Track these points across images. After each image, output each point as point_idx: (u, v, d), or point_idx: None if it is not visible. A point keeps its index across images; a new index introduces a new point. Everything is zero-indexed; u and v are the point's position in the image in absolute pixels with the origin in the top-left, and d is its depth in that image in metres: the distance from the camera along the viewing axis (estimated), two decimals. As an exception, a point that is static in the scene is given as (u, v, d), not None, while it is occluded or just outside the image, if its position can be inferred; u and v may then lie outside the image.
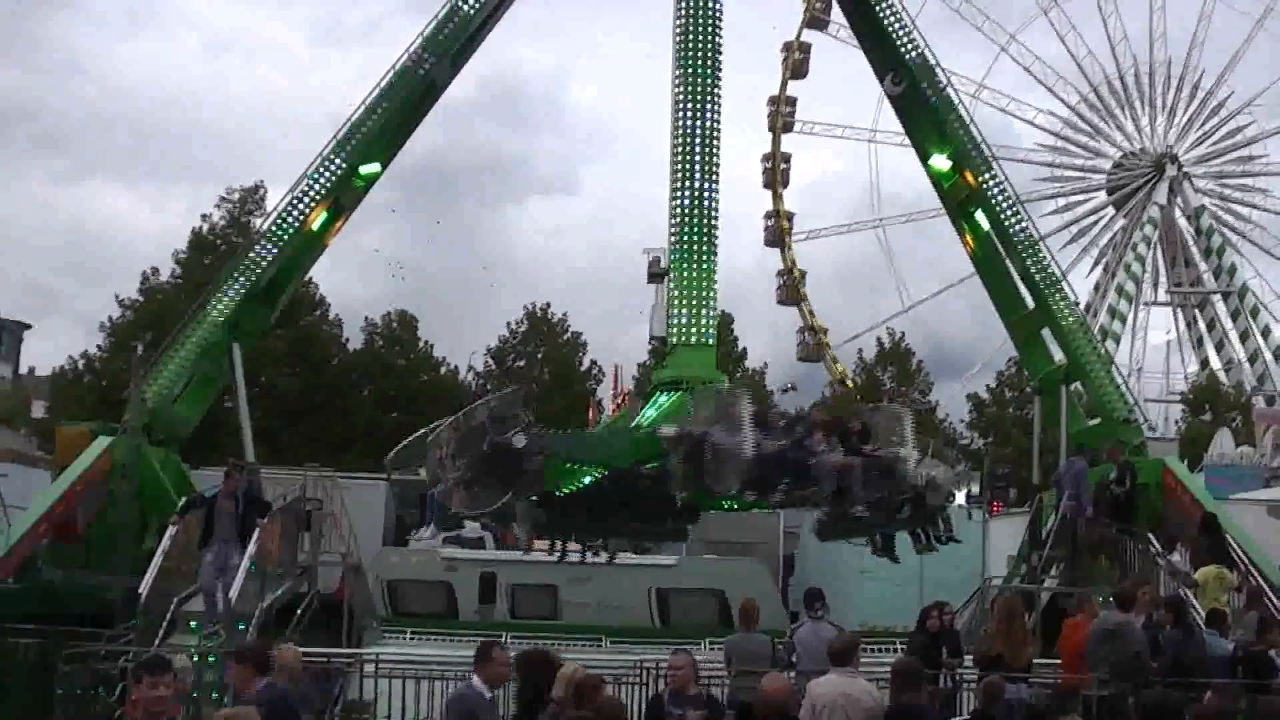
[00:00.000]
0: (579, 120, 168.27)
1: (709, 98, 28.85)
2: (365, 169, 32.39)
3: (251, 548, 21.87)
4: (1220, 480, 40.37)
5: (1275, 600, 22.92)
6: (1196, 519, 25.45)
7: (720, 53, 29.26)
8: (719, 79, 29.11)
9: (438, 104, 34.21)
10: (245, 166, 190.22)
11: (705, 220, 28.36)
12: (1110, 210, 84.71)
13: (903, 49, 33.38)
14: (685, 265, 28.61)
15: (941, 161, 33.82)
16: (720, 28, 29.30)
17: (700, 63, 28.92)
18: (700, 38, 29.00)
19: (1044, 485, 31.28)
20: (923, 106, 33.84)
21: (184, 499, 23.77)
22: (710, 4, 29.21)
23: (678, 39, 29.17)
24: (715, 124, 28.67)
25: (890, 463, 21.99)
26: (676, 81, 28.94)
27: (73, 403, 54.22)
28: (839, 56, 74.58)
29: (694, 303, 28.38)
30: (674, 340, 28.38)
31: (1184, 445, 47.33)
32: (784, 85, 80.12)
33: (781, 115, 78.94)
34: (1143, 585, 18.90)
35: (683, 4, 29.22)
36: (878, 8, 33.53)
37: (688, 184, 28.33)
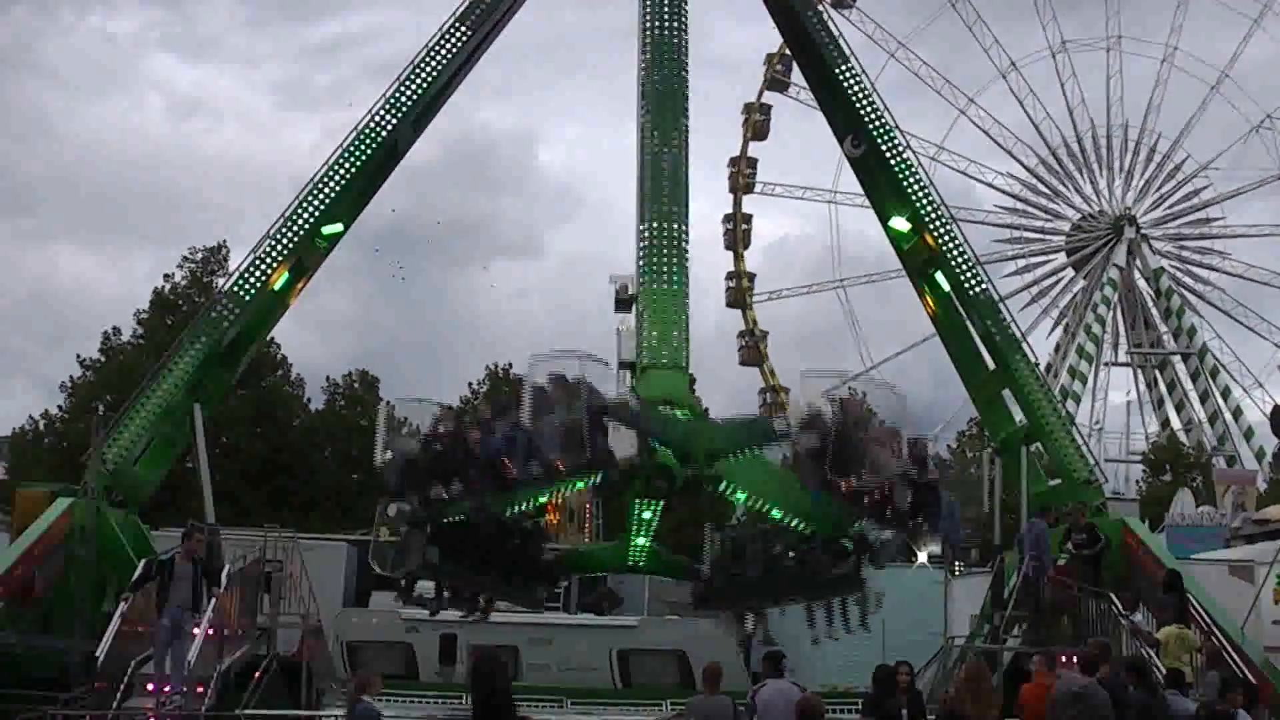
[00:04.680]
0: (545, 183, 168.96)
1: (675, 126, 27.79)
2: (328, 229, 32.39)
3: (209, 614, 21.66)
4: (1182, 540, 40.51)
5: (1237, 660, 23.00)
6: (1159, 578, 25.54)
7: (687, 77, 28.73)
8: (686, 106, 28.30)
9: (405, 166, 34.35)
10: (210, 229, 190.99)
11: (674, 241, 26.60)
12: (1070, 271, 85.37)
13: (862, 111, 33.59)
14: (654, 285, 26.25)
15: (901, 223, 33.97)
16: (687, 54, 28.95)
17: (667, 91, 28.16)
18: (668, 57, 28.49)
19: (1006, 545, 31.30)
20: (882, 168, 34.02)
21: (140, 567, 23.38)
22: (678, 22, 29.09)
23: (642, 66, 28.81)
24: (682, 150, 27.66)
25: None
26: (642, 109, 28.19)
27: (33, 463, 53.84)
28: (799, 118, 75.31)
29: (664, 324, 25.65)
30: (643, 363, 25.27)
31: (1145, 505, 47.52)
32: (745, 147, 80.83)
33: (742, 176, 79.62)
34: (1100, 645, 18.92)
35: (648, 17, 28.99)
36: (837, 71, 33.77)
37: (655, 208, 26.76)
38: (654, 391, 23.80)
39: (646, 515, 21.39)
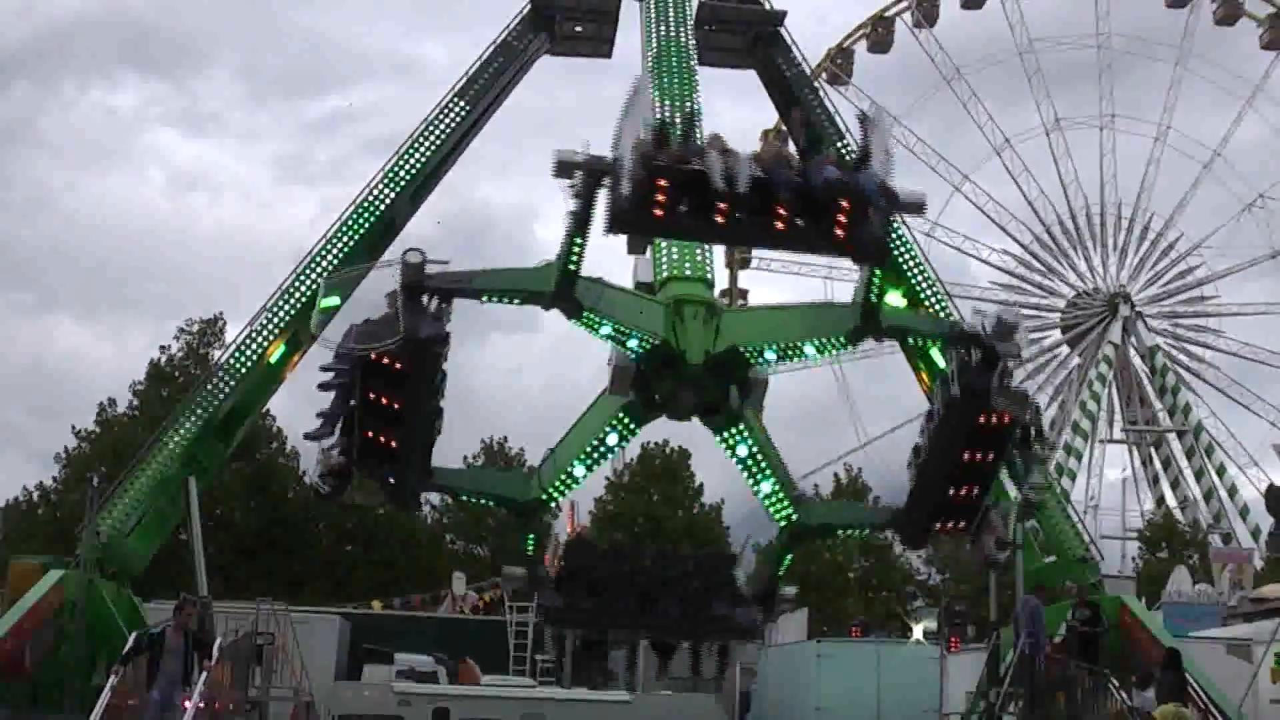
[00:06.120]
0: (542, 258, 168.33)
1: (687, 100, 26.84)
2: (324, 302, 32.43)
3: (200, 687, 21.52)
4: (1179, 618, 40.35)
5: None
6: (1158, 657, 25.44)
7: (697, 79, 28.07)
8: (697, 89, 27.50)
9: (404, 239, 34.49)
10: (208, 302, 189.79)
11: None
12: (1065, 348, 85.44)
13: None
14: None
15: (896, 299, 33.96)
16: (693, 54, 28.58)
17: (677, 77, 27.40)
18: (676, 50, 28.06)
19: (1002, 622, 31.19)
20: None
21: (131, 640, 23.19)
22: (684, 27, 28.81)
23: (650, 64, 28.34)
24: (695, 121, 26.66)
25: None
26: (652, 96, 27.13)
27: (26, 535, 53.65)
28: (796, 195, 75.43)
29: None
30: (663, 276, 20.92)
31: (1141, 583, 47.38)
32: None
33: (739, 251, 79.59)
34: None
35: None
36: (833, 147, 33.98)
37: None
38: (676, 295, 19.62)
39: (741, 451, 18.39)
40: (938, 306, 33.46)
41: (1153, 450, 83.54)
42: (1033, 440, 17.19)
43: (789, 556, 19.28)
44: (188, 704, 20.93)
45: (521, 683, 35.82)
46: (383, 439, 16.16)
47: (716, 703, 34.79)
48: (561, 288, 16.17)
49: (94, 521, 28.39)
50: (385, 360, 15.36)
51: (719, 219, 14.68)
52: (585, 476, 18.19)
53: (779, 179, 14.58)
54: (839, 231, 14.79)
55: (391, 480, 17.21)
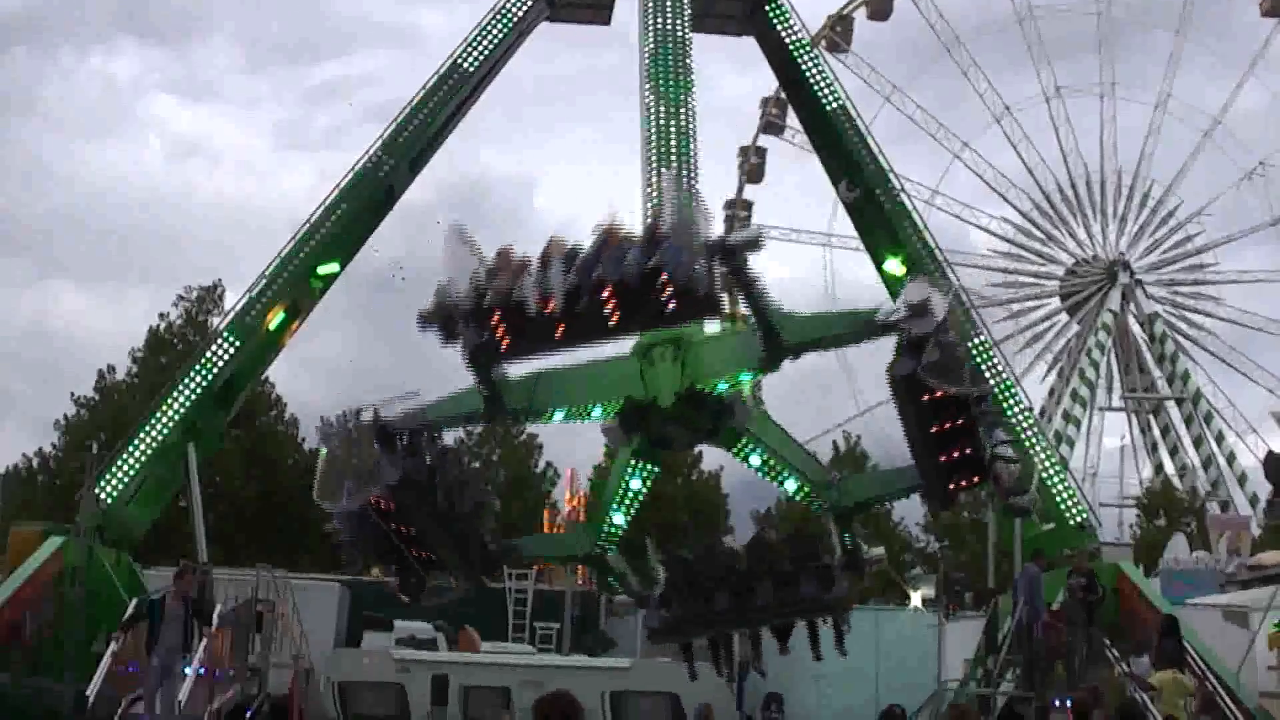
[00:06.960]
0: (542, 228, 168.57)
1: (681, 102, 27.55)
2: (323, 269, 32.47)
3: (200, 654, 21.56)
4: (1177, 585, 40.40)
5: (1231, 706, 22.96)
6: (1155, 624, 25.48)
7: (691, 65, 28.06)
8: (691, 86, 28.14)
9: (401, 210, 34.44)
10: (206, 270, 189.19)
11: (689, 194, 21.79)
12: (1064, 316, 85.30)
13: (857, 155, 33.72)
14: None
15: (896, 267, 34.05)
16: (690, 44, 28.54)
17: (673, 73, 28.27)
18: (672, 43, 28.02)
19: (1000, 589, 31.23)
20: (877, 212, 34.15)
21: (132, 606, 23.21)
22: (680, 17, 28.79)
23: (646, 55, 28.43)
24: (690, 123, 27.25)
25: None
26: (647, 90, 27.64)
27: (25, 502, 53.60)
28: (795, 162, 75.35)
29: None
30: None
31: (1139, 550, 47.41)
32: (740, 189, 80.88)
33: (738, 219, 79.45)
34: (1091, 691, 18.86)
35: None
36: (832, 114, 33.91)
37: (663, 165, 26.03)
38: None
39: (755, 460, 19.04)
40: (935, 273, 33.38)
41: (1151, 418, 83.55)
42: (981, 404, 16.42)
43: (847, 535, 19.58)
44: (187, 671, 20.98)
45: (521, 649, 35.91)
46: (424, 553, 17.16)
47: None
48: (490, 407, 16.82)
49: (93, 488, 28.41)
50: (382, 503, 16.33)
51: (560, 329, 15.17)
52: (627, 522, 18.96)
53: (589, 282, 14.85)
54: (670, 304, 14.97)
55: (452, 580, 18.34)
